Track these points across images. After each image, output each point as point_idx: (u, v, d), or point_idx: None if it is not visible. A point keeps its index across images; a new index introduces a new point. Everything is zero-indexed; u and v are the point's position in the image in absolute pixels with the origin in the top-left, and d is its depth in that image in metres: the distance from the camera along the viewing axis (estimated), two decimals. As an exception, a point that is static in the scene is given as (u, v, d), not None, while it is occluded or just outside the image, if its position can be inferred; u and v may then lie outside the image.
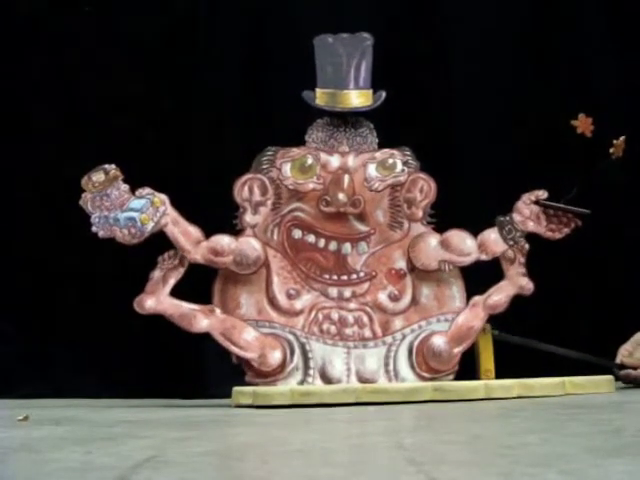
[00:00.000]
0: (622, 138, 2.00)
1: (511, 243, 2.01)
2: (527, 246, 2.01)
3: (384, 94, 2.03)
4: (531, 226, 2.03)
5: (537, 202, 2.02)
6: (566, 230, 2.03)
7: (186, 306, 1.93)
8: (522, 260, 2.01)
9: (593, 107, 2.03)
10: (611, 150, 2.00)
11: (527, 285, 2.00)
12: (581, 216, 2.01)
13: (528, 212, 2.03)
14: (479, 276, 2.05)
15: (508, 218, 2.03)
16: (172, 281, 1.93)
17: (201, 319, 1.92)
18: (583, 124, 1.99)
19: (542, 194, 2.03)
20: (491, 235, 2.02)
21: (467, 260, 2.01)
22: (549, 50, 2.36)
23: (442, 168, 2.08)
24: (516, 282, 2.00)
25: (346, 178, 2.01)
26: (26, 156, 2.33)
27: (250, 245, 1.97)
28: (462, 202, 2.22)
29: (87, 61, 2.35)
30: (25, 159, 2.33)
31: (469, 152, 2.34)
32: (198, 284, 2.00)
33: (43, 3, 2.40)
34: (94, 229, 1.90)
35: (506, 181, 2.24)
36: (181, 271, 1.93)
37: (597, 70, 2.39)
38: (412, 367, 1.96)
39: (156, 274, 1.93)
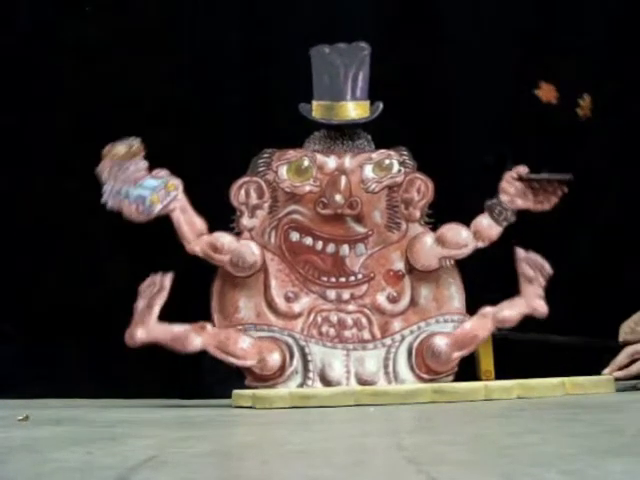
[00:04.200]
0: (587, 97, 2.00)
1: (505, 224, 2.01)
2: (550, 270, 1.99)
3: (381, 105, 2.02)
4: (520, 203, 2.02)
5: (520, 178, 2.02)
6: (554, 199, 2.02)
7: (176, 328, 1.92)
8: (542, 282, 1.99)
9: (595, 107, 2.04)
10: (579, 111, 2.00)
11: (541, 309, 1.98)
12: (565, 182, 2.01)
13: (514, 190, 2.02)
14: (480, 275, 2.06)
15: (495, 200, 2.02)
16: (157, 307, 1.92)
17: (194, 338, 1.92)
18: (546, 92, 1.99)
19: (523, 170, 2.03)
20: (483, 221, 2.02)
21: (466, 251, 2.00)
22: (550, 50, 2.36)
23: (440, 168, 2.09)
24: (531, 303, 1.98)
25: (343, 179, 2.01)
26: (26, 154, 2.33)
27: (249, 249, 1.97)
28: (462, 202, 2.22)
29: (86, 60, 2.35)
30: (25, 157, 2.33)
31: (469, 152, 2.33)
32: (198, 285, 2.00)
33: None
34: (104, 198, 1.91)
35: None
36: (164, 295, 1.93)
37: (599, 70, 2.39)
38: (411, 368, 1.95)
39: (140, 304, 1.92)
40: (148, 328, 1.91)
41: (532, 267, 1.99)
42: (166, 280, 1.93)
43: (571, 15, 2.40)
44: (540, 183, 2.02)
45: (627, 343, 2.05)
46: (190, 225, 1.96)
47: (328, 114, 2.02)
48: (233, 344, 1.92)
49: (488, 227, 2.01)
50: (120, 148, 1.91)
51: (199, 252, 1.96)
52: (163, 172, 1.95)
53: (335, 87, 2.02)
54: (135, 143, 1.93)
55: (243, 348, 1.93)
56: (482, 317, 1.98)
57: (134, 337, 1.91)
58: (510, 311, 1.98)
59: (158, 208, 1.93)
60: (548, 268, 2.00)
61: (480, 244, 2.01)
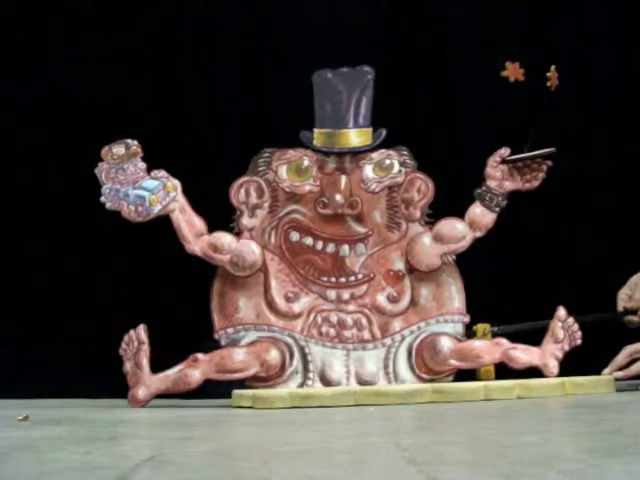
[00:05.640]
0: (553, 67, 2.00)
1: (497, 210, 2.01)
2: (580, 341, 1.99)
3: (384, 132, 2.02)
4: (508, 185, 2.02)
5: (503, 161, 2.02)
6: (541, 175, 2.02)
7: (172, 372, 1.92)
8: (566, 348, 1.98)
9: (594, 105, 2.04)
10: (548, 84, 2.00)
11: (552, 368, 1.96)
12: (549, 156, 2.01)
13: (500, 174, 2.02)
14: (480, 276, 2.06)
15: (484, 188, 2.02)
16: (145, 361, 1.92)
17: (192, 373, 1.92)
18: (512, 71, 1.99)
19: (505, 152, 2.02)
20: (476, 210, 2.01)
21: (465, 243, 2.00)
22: (551, 51, 2.36)
23: (441, 167, 2.09)
24: (545, 359, 1.97)
25: (343, 179, 2.01)
26: (28, 153, 2.34)
27: (250, 248, 1.97)
28: (461, 201, 2.22)
29: (86, 61, 2.35)
30: (27, 156, 2.34)
31: (469, 151, 2.33)
32: (197, 286, 2.00)
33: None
34: (103, 199, 1.92)
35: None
36: (146, 348, 1.93)
37: (599, 68, 2.39)
38: (411, 369, 1.95)
39: (128, 366, 1.92)
40: (146, 385, 1.92)
41: (565, 331, 1.99)
42: (141, 333, 1.93)
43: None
44: (524, 162, 2.02)
45: (627, 311, 2.05)
46: (190, 225, 1.96)
47: (329, 142, 2.01)
48: (230, 361, 1.92)
49: (482, 215, 2.01)
50: (118, 149, 1.91)
51: (199, 252, 1.96)
52: (162, 173, 1.95)
53: (337, 114, 2.00)
54: (133, 144, 1.93)
55: (241, 360, 1.93)
56: (494, 344, 1.98)
57: (137, 399, 1.91)
58: (522, 355, 1.96)
59: (157, 209, 1.93)
60: (579, 340, 1.99)
61: (478, 234, 2.01)
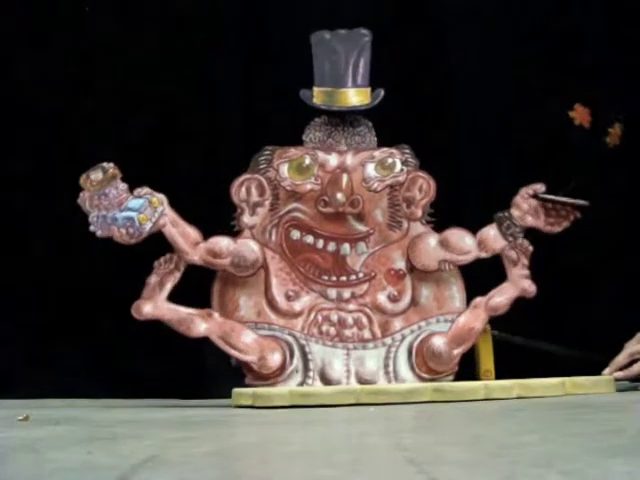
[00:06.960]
0: (617, 125, 1.99)
1: (510, 239, 2.01)
2: (530, 248, 2.00)
3: (382, 92, 2.03)
4: (530, 221, 2.02)
5: (535, 196, 2.02)
6: (565, 223, 2.02)
7: (184, 310, 1.92)
8: (525, 262, 1.99)
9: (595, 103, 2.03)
10: (607, 139, 1.99)
11: (529, 288, 1.99)
12: (580, 208, 2.01)
13: (527, 207, 2.02)
14: (481, 276, 2.05)
15: (507, 214, 2.02)
16: (169, 285, 1.92)
17: (199, 323, 1.92)
18: (580, 115, 1.98)
19: (540, 188, 2.02)
20: (490, 232, 2.02)
21: (467, 258, 2.00)
22: (551, 49, 2.36)
23: (442, 166, 2.09)
24: (519, 284, 1.99)
25: (344, 178, 2.00)
26: (26, 153, 2.34)
27: (249, 247, 1.97)
28: (462, 201, 2.22)
29: (86, 61, 2.35)
30: (24, 156, 2.34)
31: (470, 150, 2.33)
32: (197, 286, 2.00)
33: None
34: (92, 228, 1.90)
35: (507, 180, 2.24)
36: (177, 275, 1.93)
37: (599, 65, 2.39)
38: (412, 368, 1.95)
39: (152, 279, 1.92)
40: (156, 304, 1.91)
41: (514, 249, 2.00)
42: (182, 263, 1.93)
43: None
44: (554, 204, 2.01)
45: (634, 361, 2.04)
46: (184, 237, 1.95)
47: (329, 100, 2.02)
48: (236, 337, 1.93)
49: (494, 239, 2.01)
50: (96, 175, 1.89)
51: (199, 261, 1.94)
52: (144, 190, 1.93)
53: (336, 73, 2.02)
54: (110, 167, 1.91)
55: (246, 342, 1.93)
56: (474, 309, 1.99)
57: (141, 311, 1.91)
58: (500, 297, 1.99)
59: (148, 226, 1.91)
60: (529, 246, 2.00)
61: (483, 254, 2.00)
